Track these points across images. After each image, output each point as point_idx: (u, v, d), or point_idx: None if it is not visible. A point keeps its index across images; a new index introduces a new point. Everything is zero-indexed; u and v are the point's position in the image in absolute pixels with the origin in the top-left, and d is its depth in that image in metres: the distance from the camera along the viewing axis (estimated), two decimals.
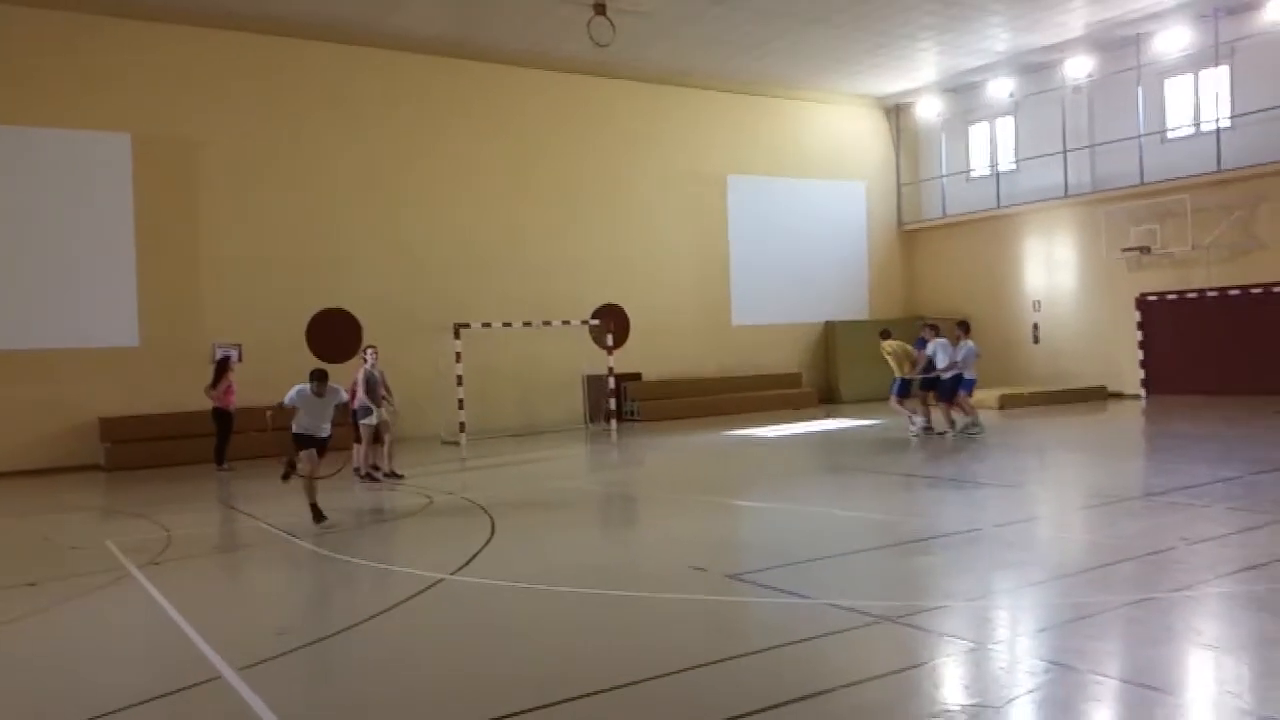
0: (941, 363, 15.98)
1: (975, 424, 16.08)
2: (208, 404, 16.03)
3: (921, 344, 16.52)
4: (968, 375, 15.88)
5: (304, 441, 10.35)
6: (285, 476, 10.93)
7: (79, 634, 6.68)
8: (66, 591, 7.77)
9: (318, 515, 10.02)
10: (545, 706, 4.70)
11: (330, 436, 10.68)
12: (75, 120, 17.45)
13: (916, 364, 16.40)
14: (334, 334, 19.23)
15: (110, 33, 17.70)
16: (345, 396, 11.15)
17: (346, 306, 19.63)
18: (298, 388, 10.41)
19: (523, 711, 4.65)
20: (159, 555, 8.96)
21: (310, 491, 10.17)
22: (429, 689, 5.16)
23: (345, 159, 19.84)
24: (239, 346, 18.36)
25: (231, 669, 5.42)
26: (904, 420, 16.66)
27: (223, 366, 16.03)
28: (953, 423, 16.05)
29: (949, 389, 16.01)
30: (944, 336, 16.38)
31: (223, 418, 15.84)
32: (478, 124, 21.32)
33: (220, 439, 15.81)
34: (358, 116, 19.99)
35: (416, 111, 20.65)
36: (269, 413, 10.49)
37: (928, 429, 16.29)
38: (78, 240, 17.44)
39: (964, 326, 16.47)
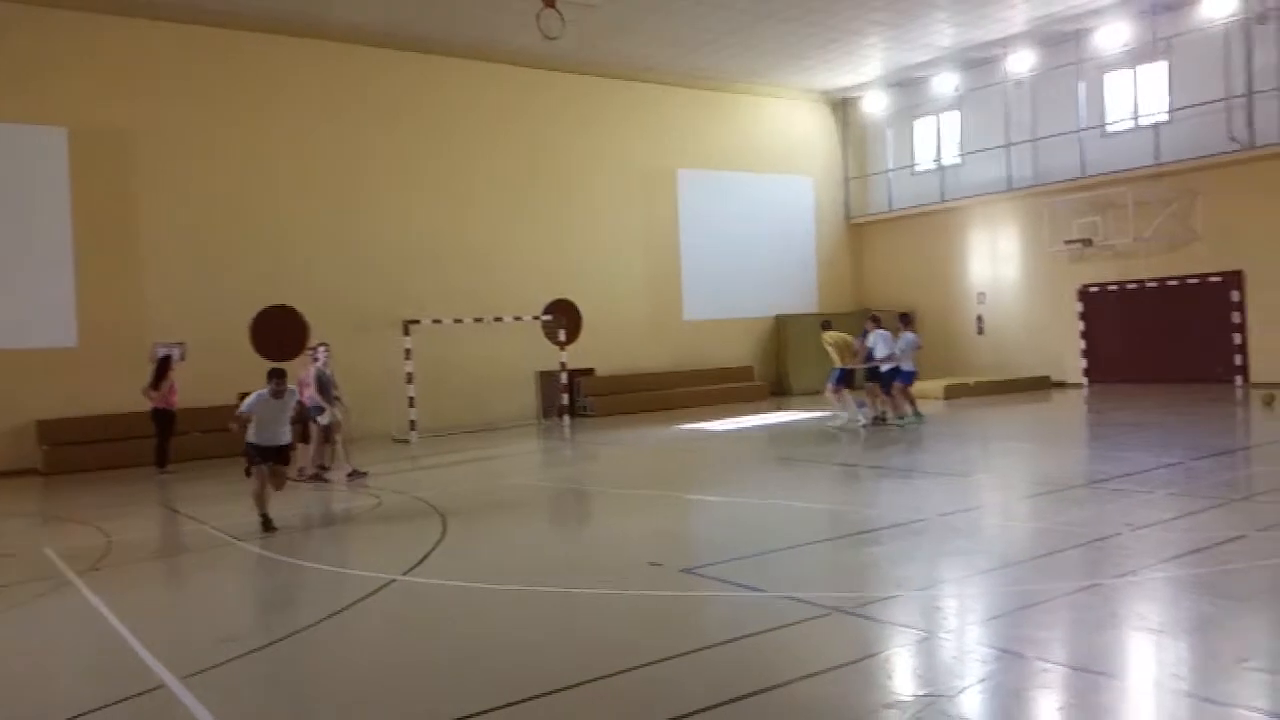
0: (880, 353, 16.22)
1: (915, 415, 16.28)
2: (149, 405, 15.60)
3: (866, 335, 16.75)
4: (905, 367, 16.07)
5: (260, 454, 9.88)
6: (248, 471, 10.42)
7: (16, 645, 6.48)
8: (2, 601, 7.53)
9: (267, 524, 9.72)
10: (502, 707, 4.65)
11: (290, 444, 10.35)
12: (9, 113, 16.95)
13: (857, 354, 16.62)
14: (279, 332, 18.89)
15: (44, 24, 17.19)
16: (299, 396, 10.82)
17: (292, 303, 19.31)
18: (256, 394, 9.94)
19: (479, 713, 4.59)
20: (99, 562, 8.73)
21: (260, 503, 9.82)
22: (381, 692, 5.07)
23: (289, 153, 19.50)
24: (181, 345, 17.98)
25: (175, 678, 5.29)
26: (838, 410, 16.91)
27: (164, 366, 15.64)
28: (902, 414, 16.23)
29: (886, 380, 16.28)
30: (886, 328, 16.59)
31: (165, 418, 15.46)
32: (425, 117, 21.08)
33: (161, 440, 15.44)
34: (301, 110, 19.66)
35: (363, 105, 20.35)
36: (233, 426, 9.94)
37: (879, 420, 16.46)
38: (13, 237, 16.94)
39: (905, 319, 16.72)
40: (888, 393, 16.34)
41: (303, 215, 19.59)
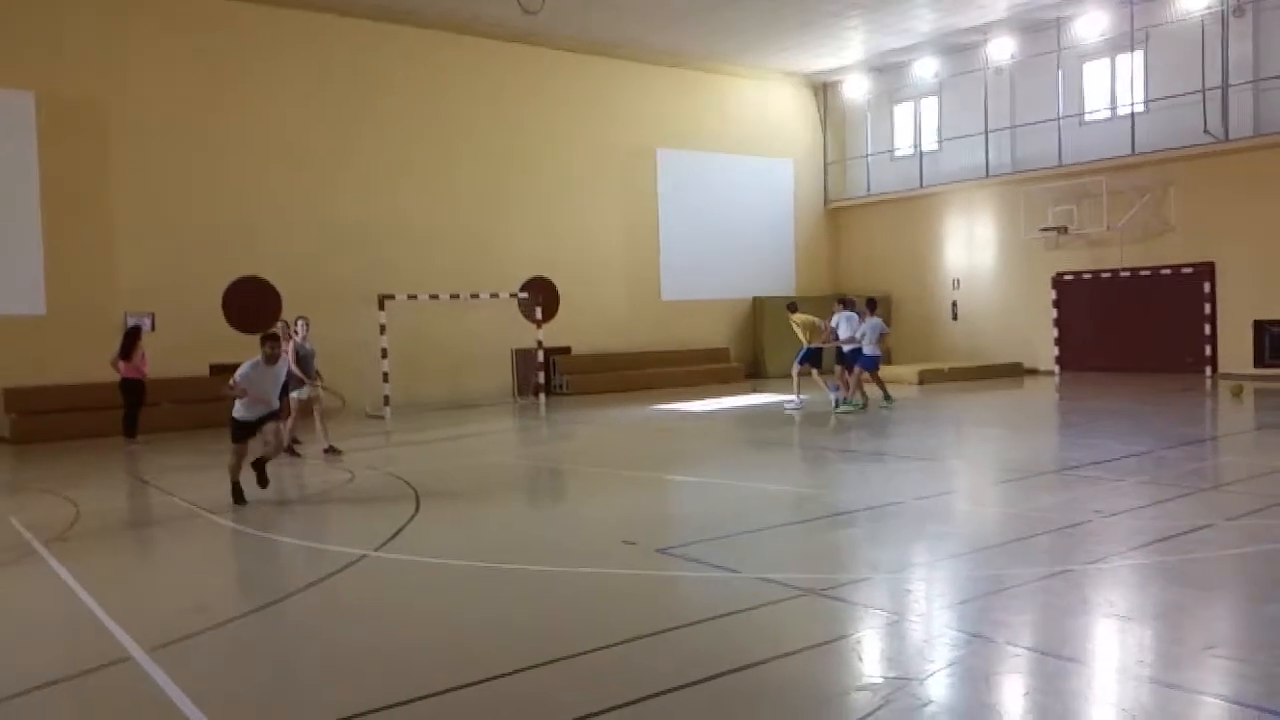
0: (843, 334, 16.40)
1: (886, 399, 16.38)
2: (118, 375, 15.37)
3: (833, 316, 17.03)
4: (867, 351, 16.18)
5: (243, 430, 9.63)
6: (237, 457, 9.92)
7: None
8: None
9: (238, 495, 9.58)
10: (473, 684, 4.64)
11: (280, 408, 10.09)
12: None
13: (822, 334, 16.86)
14: (251, 303, 18.71)
15: None
16: (289, 364, 10.45)
17: (265, 275, 19.10)
18: (249, 363, 9.60)
19: (449, 689, 4.58)
20: (66, 532, 8.62)
21: (234, 472, 9.68)
22: (351, 667, 5.05)
23: (265, 123, 19.23)
24: (151, 315, 17.75)
25: (142, 650, 5.23)
26: (795, 393, 17.23)
27: (133, 336, 15.43)
28: (851, 399, 16.36)
29: (848, 361, 16.49)
30: (853, 312, 16.78)
31: (135, 388, 15.27)
32: (403, 90, 20.85)
33: (132, 410, 15.25)
34: (279, 81, 19.39)
35: (340, 77, 20.09)
36: (228, 391, 9.61)
37: (852, 402, 16.58)
38: None
39: (871, 304, 16.88)
40: (849, 373, 16.62)
41: (278, 187, 19.35)
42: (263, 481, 9.73)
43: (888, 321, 26.61)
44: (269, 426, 9.76)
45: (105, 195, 17.76)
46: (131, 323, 16.68)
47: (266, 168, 19.22)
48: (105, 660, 5.14)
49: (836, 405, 16.21)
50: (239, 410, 9.63)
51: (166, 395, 16.85)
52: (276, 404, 9.90)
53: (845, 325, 16.45)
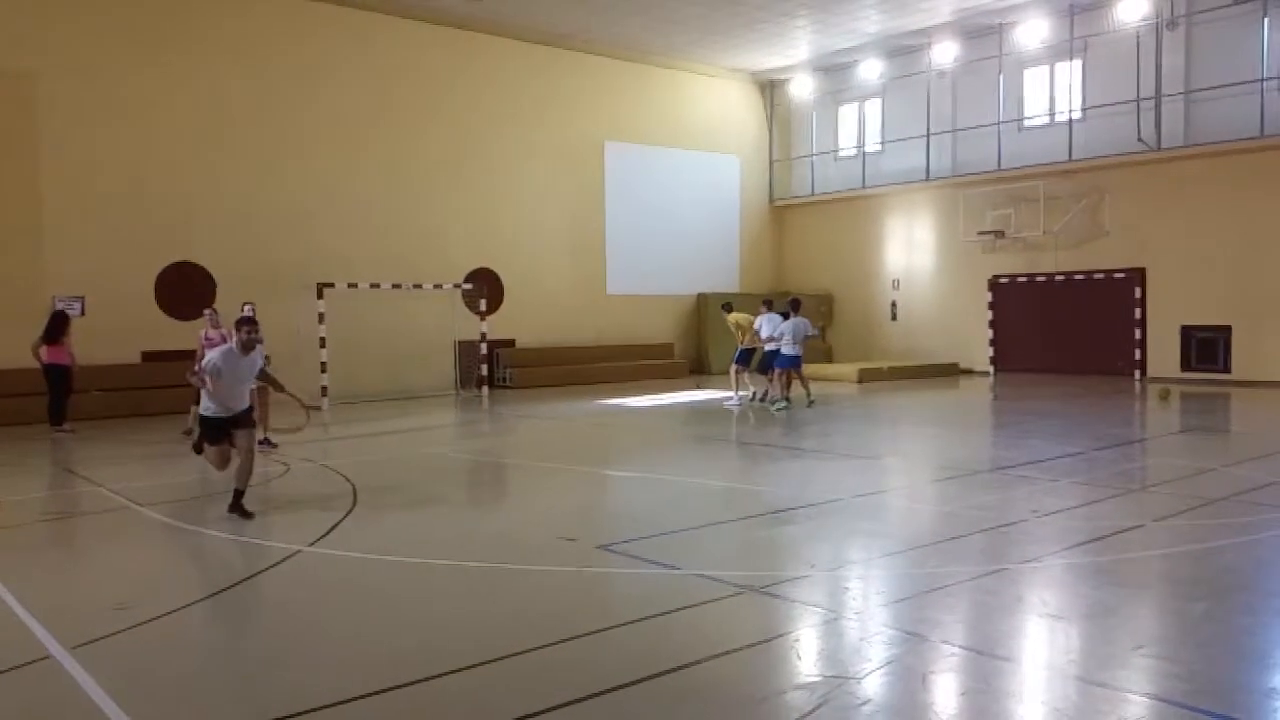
0: (764, 334, 16.68)
1: (785, 401, 16.50)
2: (39, 361, 14.82)
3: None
4: (785, 350, 16.37)
5: (215, 427, 8.48)
6: (199, 449, 9.08)
7: None
8: None
9: (240, 509, 8.33)
10: (405, 685, 4.55)
11: (251, 407, 8.83)
12: None
13: (748, 334, 17.23)
14: (185, 289, 18.24)
15: None
16: (263, 360, 9.02)
17: (200, 261, 18.64)
18: (221, 349, 8.53)
19: (381, 691, 4.49)
20: None
21: (219, 468, 8.68)
22: (280, 666, 4.92)
23: (202, 106, 18.74)
24: (81, 299, 17.23)
25: (62, 647, 5.05)
26: (734, 390, 17.48)
27: (59, 321, 14.93)
28: (773, 397, 16.56)
29: (767, 361, 16.83)
30: (776, 312, 17.04)
31: (62, 375, 14.79)
32: (346, 77, 20.47)
33: (58, 397, 14.77)
34: (216, 62, 18.90)
35: (281, 61, 19.66)
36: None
37: (761, 398, 17.08)
38: None
39: (794, 304, 17.11)
40: (763, 372, 16.99)
41: (215, 171, 18.87)
42: (246, 515, 8.31)
43: (829, 320, 27.04)
44: (240, 436, 8.47)
45: (33, 175, 17.15)
46: (59, 306, 16.16)
47: (204, 150, 18.74)
48: (23, 659, 4.95)
49: (773, 404, 16.33)
50: (206, 404, 8.51)
51: (96, 382, 16.36)
52: (246, 401, 8.70)
53: (766, 325, 16.75)
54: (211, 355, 8.55)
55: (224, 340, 13.29)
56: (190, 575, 7.09)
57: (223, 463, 8.67)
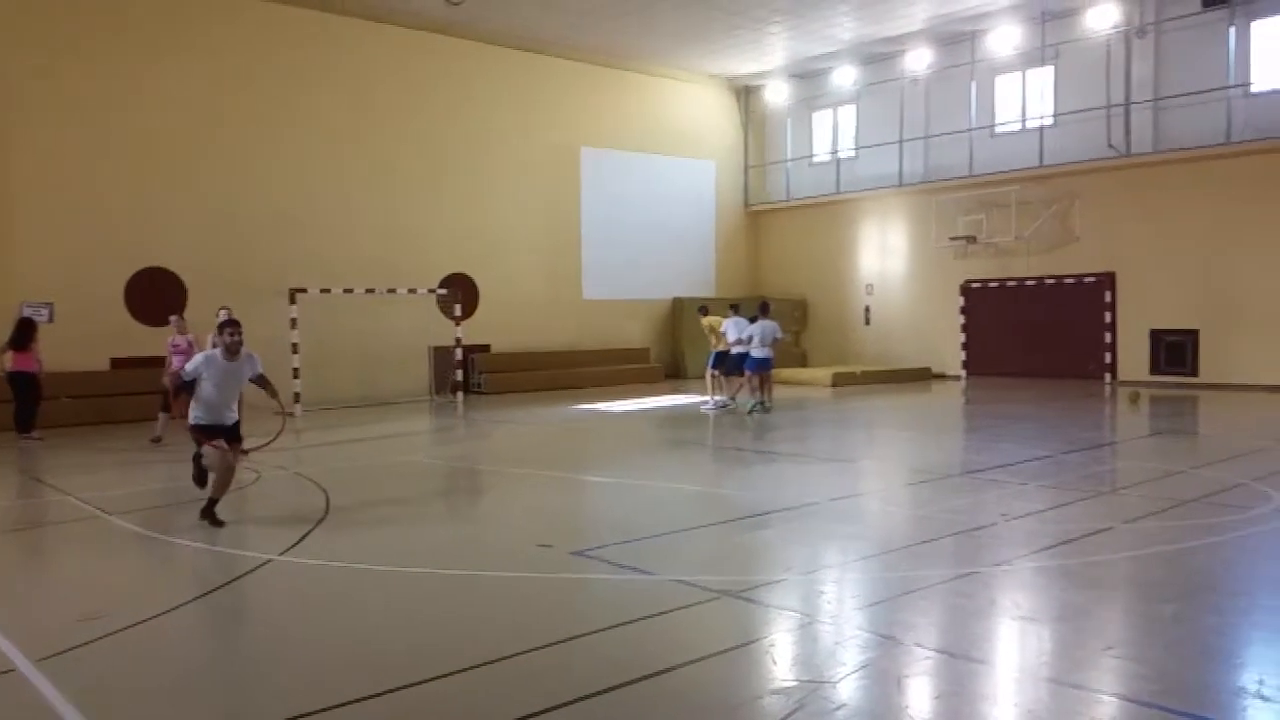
0: (731, 337, 16.81)
1: (759, 406, 16.52)
2: (6, 368, 14.60)
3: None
4: (754, 353, 16.49)
5: (209, 433, 8.15)
6: (198, 458, 8.43)
7: None
8: None
9: (212, 516, 8.15)
10: (380, 694, 4.52)
11: (239, 422, 8.44)
12: None
13: (721, 339, 17.33)
14: (155, 295, 18.03)
15: None
16: (260, 365, 8.62)
17: (171, 266, 18.44)
18: (204, 355, 8.23)
19: (356, 700, 4.45)
20: None
21: (221, 488, 8.21)
22: (253, 676, 4.87)
23: (175, 110, 18.53)
24: (50, 305, 17.01)
25: (28, 660, 4.97)
26: (712, 395, 17.51)
27: (26, 326, 14.72)
28: (741, 399, 16.66)
29: (735, 364, 16.93)
30: (742, 316, 17.18)
31: (29, 382, 14.58)
32: (320, 78, 20.33)
33: (26, 405, 14.56)
34: (190, 65, 18.70)
35: (254, 62, 19.49)
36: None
37: (730, 400, 17.29)
38: None
39: (763, 307, 17.26)
40: (730, 375, 17.16)
41: (186, 176, 18.68)
42: (217, 523, 8.12)
43: (803, 325, 27.15)
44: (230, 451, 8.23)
45: (3, 178, 16.91)
46: (26, 313, 15.93)
47: (175, 155, 18.54)
48: None
49: (750, 408, 16.39)
50: (195, 414, 8.12)
51: (65, 389, 16.15)
52: (236, 414, 8.34)
53: (732, 329, 16.86)
54: (195, 360, 8.33)
55: (190, 346, 13.20)
56: (161, 584, 7.00)
57: (223, 463, 8.14)
